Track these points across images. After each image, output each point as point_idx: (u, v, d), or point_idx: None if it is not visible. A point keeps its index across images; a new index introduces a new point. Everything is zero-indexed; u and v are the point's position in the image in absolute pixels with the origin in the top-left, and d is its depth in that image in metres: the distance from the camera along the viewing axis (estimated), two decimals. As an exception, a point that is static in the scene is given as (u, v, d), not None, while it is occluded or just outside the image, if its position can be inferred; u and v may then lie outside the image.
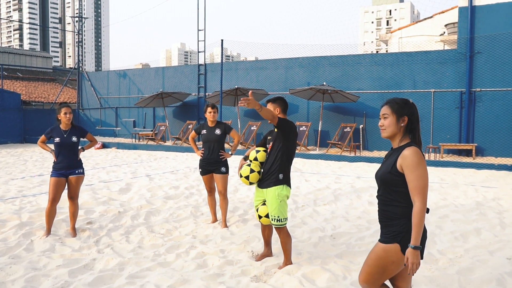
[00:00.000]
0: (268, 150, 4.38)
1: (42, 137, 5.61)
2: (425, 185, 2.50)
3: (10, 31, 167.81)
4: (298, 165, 12.23)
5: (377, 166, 10.83)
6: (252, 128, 17.02)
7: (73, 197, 5.54)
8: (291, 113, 16.82)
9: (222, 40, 16.14)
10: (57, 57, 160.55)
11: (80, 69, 25.00)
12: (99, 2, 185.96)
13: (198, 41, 19.49)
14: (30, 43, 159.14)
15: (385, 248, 2.61)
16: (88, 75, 24.53)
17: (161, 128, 19.35)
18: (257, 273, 4.20)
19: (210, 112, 5.97)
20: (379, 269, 2.66)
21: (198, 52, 19.69)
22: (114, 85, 23.09)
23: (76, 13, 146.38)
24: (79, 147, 5.60)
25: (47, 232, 5.42)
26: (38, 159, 14.14)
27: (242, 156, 5.82)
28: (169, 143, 18.60)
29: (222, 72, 15.77)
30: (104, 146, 18.53)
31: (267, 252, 4.69)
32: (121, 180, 9.63)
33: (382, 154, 14.33)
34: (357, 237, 5.42)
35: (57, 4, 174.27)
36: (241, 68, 18.84)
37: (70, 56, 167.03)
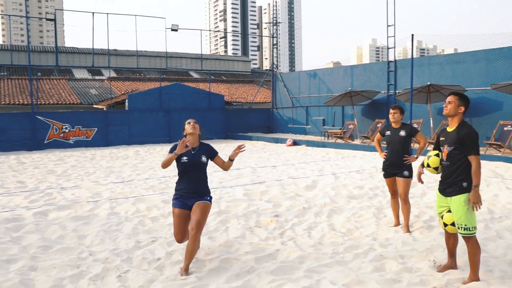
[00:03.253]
0: (445, 155, 4.08)
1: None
2: None
3: (217, 39, 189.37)
4: (499, 170, 10.91)
5: None
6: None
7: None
8: (492, 111, 15.06)
9: (412, 35, 15.37)
10: (255, 60, 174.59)
11: (274, 71, 26.79)
12: (292, 7, 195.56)
13: (387, 37, 18.94)
14: (233, 49, 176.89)
15: None
16: (281, 76, 26.13)
17: (349, 127, 19.46)
18: (437, 285, 3.97)
19: (391, 113, 5.83)
20: None
21: (388, 48, 19.13)
22: (305, 85, 24.08)
23: (272, 18, 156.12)
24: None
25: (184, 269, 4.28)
26: (236, 154, 15.74)
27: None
28: (357, 141, 18.59)
29: (413, 68, 14.99)
30: (295, 143, 19.53)
31: (451, 264, 4.38)
32: (308, 177, 10.07)
33: None
34: None
35: (255, 11, 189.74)
36: (434, 63, 17.63)
37: (266, 59, 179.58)
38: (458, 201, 3.94)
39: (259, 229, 5.92)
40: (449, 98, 4.10)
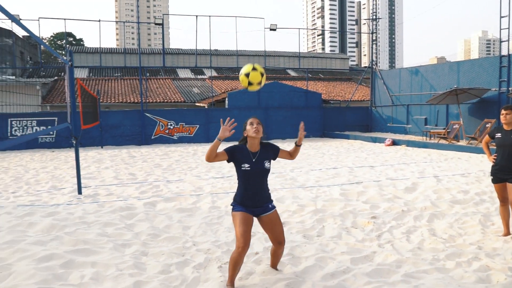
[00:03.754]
0: None
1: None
2: None
3: (315, 37, 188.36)
4: None
5: None
6: None
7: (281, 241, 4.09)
8: None
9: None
10: (354, 57, 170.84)
11: (373, 68, 26.06)
12: (392, 1, 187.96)
13: (500, 29, 17.49)
14: (331, 46, 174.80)
15: None
16: (380, 73, 25.34)
17: (454, 127, 18.31)
18: (553, 301, 3.66)
19: (502, 114, 5.42)
20: None
21: (501, 41, 17.67)
22: (406, 83, 23.11)
23: (371, 14, 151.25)
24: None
25: (229, 283, 3.89)
26: (334, 153, 15.63)
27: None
28: (462, 142, 17.44)
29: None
30: (394, 143, 18.87)
31: None
32: (408, 179, 9.71)
33: None
34: None
35: (353, 7, 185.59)
36: (557, 58, 15.93)
37: (365, 55, 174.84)
38: None
39: (356, 230, 5.87)
40: None
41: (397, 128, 23.33)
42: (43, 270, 4.22)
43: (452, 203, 7.27)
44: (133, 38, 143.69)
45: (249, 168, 3.87)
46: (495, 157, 5.53)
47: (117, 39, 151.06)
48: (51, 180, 10.19)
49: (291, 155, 4.25)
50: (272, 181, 9.26)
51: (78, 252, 4.81)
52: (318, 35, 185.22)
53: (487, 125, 16.83)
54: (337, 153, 15.61)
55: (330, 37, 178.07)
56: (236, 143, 4.13)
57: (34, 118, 20.29)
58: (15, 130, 20.30)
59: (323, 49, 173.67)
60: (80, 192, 8.34)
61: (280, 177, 10.13)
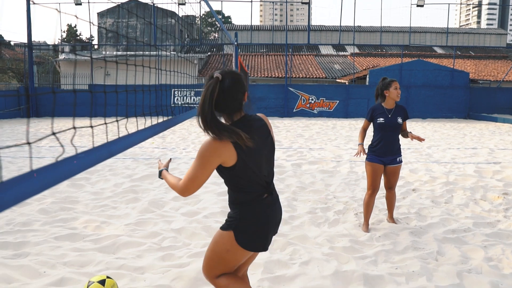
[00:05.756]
0: None
1: (365, 122, 4.97)
2: None
3: (469, 10, 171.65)
4: None
5: None
6: None
7: (391, 187, 5.01)
8: None
9: None
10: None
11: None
12: None
13: None
14: (488, 19, 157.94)
15: None
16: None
17: None
18: None
19: None
20: None
21: None
22: None
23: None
24: None
25: (365, 226, 4.91)
26: (476, 134, 15.26)
27: None
28: None
29: None
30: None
31: None
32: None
33: None
34: None
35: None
36: None
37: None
38: None
39: (484, 202, 6.33)
40: None
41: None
42: (221, 201, 5.69)
43: None
44: (276, 15, 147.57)
45: (383, 121, 4.70)
46: None
47: (260, 16, 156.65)
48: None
49: (402, 132, 4.92)
50: (407, 155, 9.83)
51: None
52: (473, 7, 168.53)
53: None
54: (479, 134, 15.20)
55: (488, 9, 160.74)
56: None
57: (193, 89, 23.16)
58: (177, 99, 23.44)
59: (478, 23, 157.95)
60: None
61: (416, 152, 10.60)
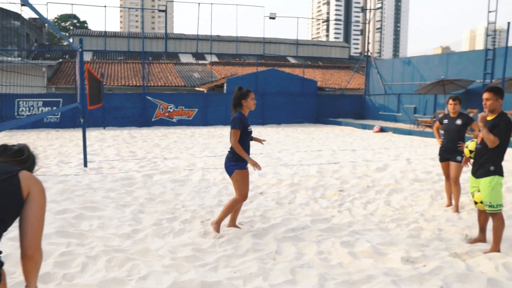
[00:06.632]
0: (479, 141, 4.69)
1: (238, 131, 4.92)
2: None
3: (319, 23, 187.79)
4: None
5: None
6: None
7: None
8: None
9: (508, 23, 14.88)
10: (357, 44, 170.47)
11: (368, 57, 26.87)
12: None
13: (488, 23, 18.31)
14: (335, 33, 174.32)
15: None
16: (375, 62, 26.18)
17: (439, 116, 19.22)
18: (459, 251, 4.65)
19: (450, 104, 6.38)
20: None
21: (487, 35, 18.50)
22: (399, 72, 23.97)
23: (377, 1, 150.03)
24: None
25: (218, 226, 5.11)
26: (322, 137, 16.60)
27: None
28: (446, 131, 18.38)
29: (506, 57, 14.59)
30: (382, 130, 19.82)
31: (481, 238, 4.99)
32: (382, 161, 10.70)
33: None
34: None
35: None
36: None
37: (369, 43, 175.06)
38: (484, 182, 4.57)
39: (323, 200, 6.87)
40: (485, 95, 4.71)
41: (388, 116, 24.24)
42: (59, 220, 5.25)
43: (413, 181, 8.27)
44: (136, 21, 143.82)
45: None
46: (442, 140, 6.52)
47: (121, 22, 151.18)
48: (58, 156, 11.20)
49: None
50: (259, 160, 10.24)
51: (87, 208, 5.85)
52: (322, 22, 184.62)
53: (470, 115, 17.73)
54: (325, 137, 16.59)
55: (335, 24, 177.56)
56: None
57: (40, 99, 21.25)
58: (22, 111, 21.27)
59: (327, 36, 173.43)
60: (86, 165, 9.36)
61: (267, 157, 11.13)
